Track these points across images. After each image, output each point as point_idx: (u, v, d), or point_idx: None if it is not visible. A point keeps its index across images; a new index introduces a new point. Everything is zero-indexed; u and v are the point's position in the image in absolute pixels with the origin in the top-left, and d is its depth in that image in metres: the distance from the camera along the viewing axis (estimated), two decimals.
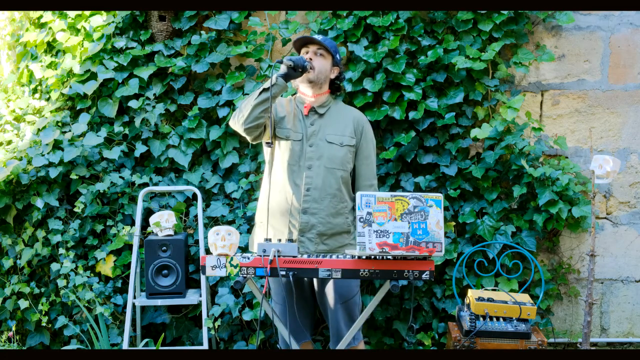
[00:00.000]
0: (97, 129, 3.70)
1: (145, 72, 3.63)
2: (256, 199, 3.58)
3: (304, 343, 2.99)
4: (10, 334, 3.59)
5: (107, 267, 3.57)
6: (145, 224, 3.59)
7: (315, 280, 2.95)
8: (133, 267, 3.42)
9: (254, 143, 2.98)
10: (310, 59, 2.89)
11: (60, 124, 3.68)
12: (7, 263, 3.58)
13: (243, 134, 2.85)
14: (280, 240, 2.56)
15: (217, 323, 3.42)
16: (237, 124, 2.83)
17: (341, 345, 2.72)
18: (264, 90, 2.75)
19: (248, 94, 3.60)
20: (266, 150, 2.99)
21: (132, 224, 3.59)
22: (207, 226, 3.60)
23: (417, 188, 3.57)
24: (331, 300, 2.89)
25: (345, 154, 2.90)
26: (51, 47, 3.84)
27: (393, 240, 2.37)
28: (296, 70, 2.77)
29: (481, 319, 3.06)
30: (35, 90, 3.86)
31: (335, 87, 3.02)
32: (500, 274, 3.56)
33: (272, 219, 2.90)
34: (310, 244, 2.84)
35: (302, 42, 2.94)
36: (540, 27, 3.68)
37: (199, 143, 3.69)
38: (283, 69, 2.78)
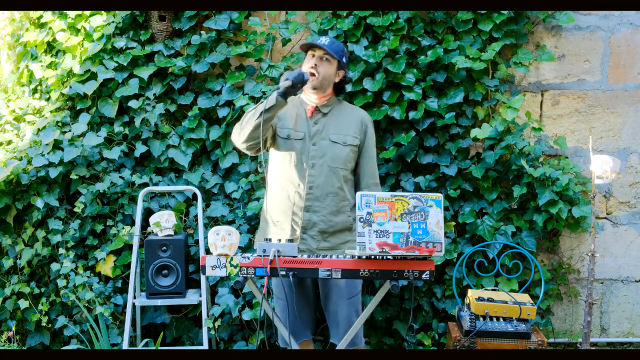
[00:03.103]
0: (97, 129, 3.69)
1: (145, 72, 3.63)
2: (257, 199, 3.58)
3: (305, 342, 2.99)
4: (10, 334, 3.59)
5: (107, 267, 3.57)
6: (145, 224, 3.59)
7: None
8: (133, 267, 3.42)
9: (253, 155, 3.03)
10: (315, 65, 2.88)
11: (60, 124, 3.68)
12: (7, 263, 3.58)
13: (243, 150, 2.90)
14: (280, 240, 2.57)
15: (217, 323, 3.42)
16: (237, 140, 2.89)
17: (345, 341, 2.70)
18: (265, 111, 2.75)
19: (248, 94, 3.60)
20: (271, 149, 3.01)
21: (132, 224, 3.59)
22: (207, 226, 3.60)
23: (417, 188, 3.57)
24: (337, 297, 2.90)
25: (348, 154, 2.92)
26: (51, 47, 3.84)
27: (393, 240, 2.37)
28: (295, 87, 2.77)
29: (481, 319, 3.06)
30: (35, 90, 3.86)
31: (339, 89, 3.02)
32: (500, 274, 3.56)
33: (275, 216, 2.93)
34: (312, 241, 2.88)
35: (308, 46, 2.95)
36: (540, 27, 3.68)
37: (199, 143, 3.69)
38: (282, 88, 2.76)
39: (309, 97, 2.98)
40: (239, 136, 2.86)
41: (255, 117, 2.78)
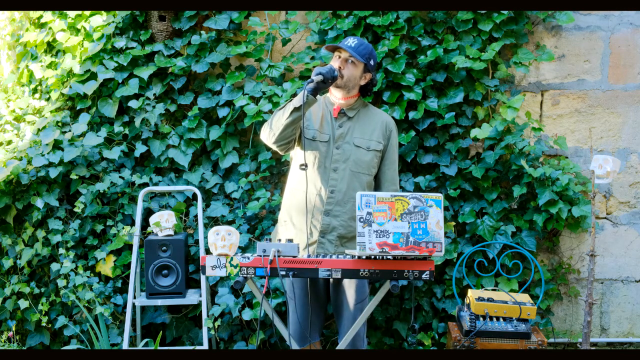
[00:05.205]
0: (97, 129, 3.70)
1: (145, 72, 3.63)
2: (257, 199, 3.58)
3: (315, 343, 2.97)
4: (10, 334, 3.59)
5: (107, 267, 3.57)
6: (145, 224, 3.59)
7: (331, 279, 2.94)
8: (133, 267, 3.42)
9: (283, 154, 3.01)
10: (340, 68, 2.82)
11: (60, 124, 3.68)
12: (7, 263, 3.58)
13: (274, 149, 2.87)
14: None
15: (217, 323, 3.42)
16: (268, 140, 2.85)
17: (345, 341, 2.70)
18: (296, 109, 2.71)
19: (248, 94, 3.60)
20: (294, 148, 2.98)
21: (132, 224, 3.59)
22: (207, 226, 3.60)
23: (417, 188, 3.58)
24: (348, 301, 2.88)
25: (372, 159, 2.89)
26: (51, 47, 3.84)
27: (393, 240, 2.37)
28: (326, 82, 2.73)
29: (481, 319, 3.06)
30: (35, 90, 3.86)
31: (366, 91, 2.97)
32: (500, 274, 3.56)
33: (295, 218, 2.90)
34: (330, 245, 2.85)
35: (334, 47, 2.89)
36: (540, 27, 3.68)
37: (199, 143, 3.69)
38: (313, 84, 2.70)
39: (334, 96, 2.94)
40: (269, 136, 2.82)
41: (284, 117, 2.74)
